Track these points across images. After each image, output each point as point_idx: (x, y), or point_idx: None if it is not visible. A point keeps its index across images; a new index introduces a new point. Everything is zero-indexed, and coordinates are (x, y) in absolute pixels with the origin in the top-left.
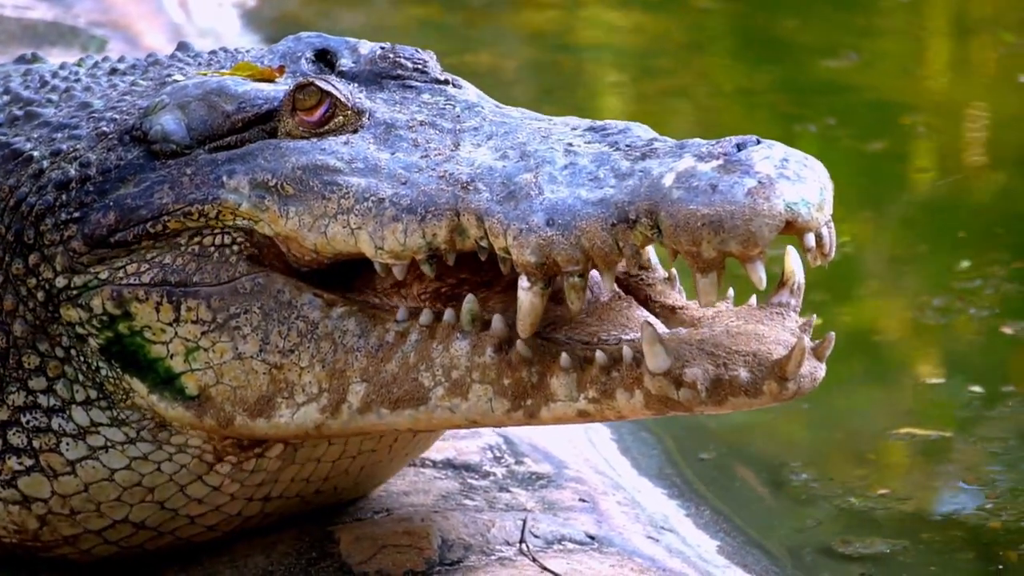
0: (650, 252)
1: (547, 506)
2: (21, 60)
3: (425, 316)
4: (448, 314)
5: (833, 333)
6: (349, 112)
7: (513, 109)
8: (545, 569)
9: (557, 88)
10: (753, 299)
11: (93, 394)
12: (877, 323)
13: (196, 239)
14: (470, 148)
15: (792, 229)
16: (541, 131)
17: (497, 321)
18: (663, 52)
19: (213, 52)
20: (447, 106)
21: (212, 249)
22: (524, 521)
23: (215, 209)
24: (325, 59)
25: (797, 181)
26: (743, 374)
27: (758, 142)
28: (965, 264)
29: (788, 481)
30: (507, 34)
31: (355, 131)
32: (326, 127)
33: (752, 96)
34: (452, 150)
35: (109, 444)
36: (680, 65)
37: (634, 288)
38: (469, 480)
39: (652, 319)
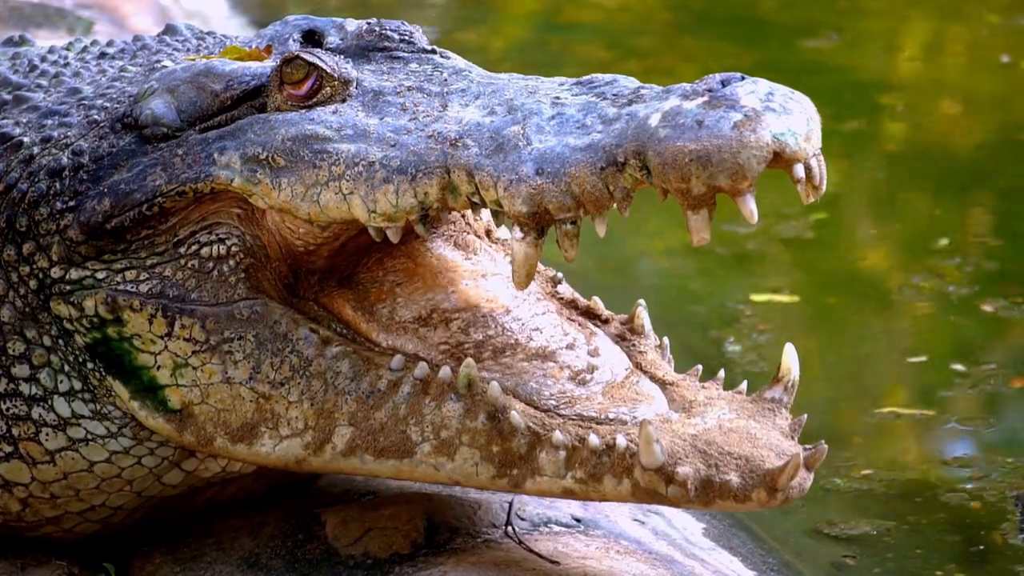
0: (644, 318)
1: None
2: (9, 43)
3: (420, 369)
4: (444, 372)
5: (825, 446)
6: (336, 82)
7: (502, 74)
8: (531, 552)
9: (545, 67)
10: (743, 385)
11: (77, 385)
12: (857, 302)
13: (194, 247)
14: (458, 108)
15: (780, 160)
16: (528, 88)
17: (494, 389)
18: (649, 32)
19: (201, 37)
20: (435, 73)
21: (211, 264)
22: (510, 504)
23: (208, 186)
24: (313, 39)
25: (783, 113)
26: (734, 479)
27: (742, 78)
28: (943, 242)
29: None
30: (495, 13)
31: (343, 101)
32: (314, 99)
33: None
34: (440, 111)
35: (90, 437)
36: (666, 45)
37: (625, 355)
38: None
39: (657, 393)
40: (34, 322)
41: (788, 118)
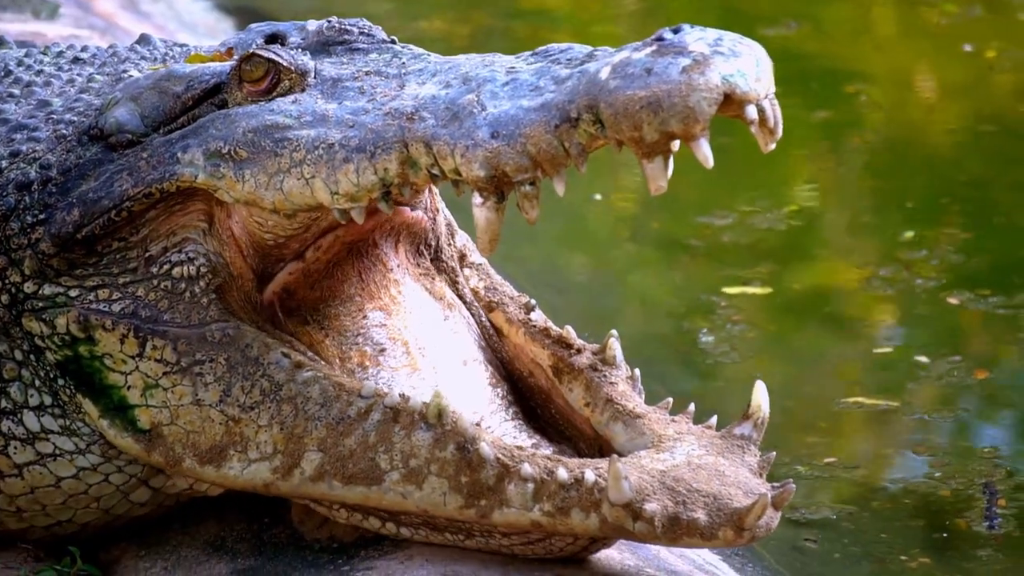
0: (616, 349)
1: None
2: None
3: (391, 398)
4: (414, 401)
5: (793, 485)
6: (294, 75)
7: (460, 55)
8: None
9: (511, 54)
10: (714, 419)
11: (47, 400)
12: (824, 293)
13: (165, 267)
14: (415, 86)
15: (731, 103)
16: (485, 62)
17: (465, 421)
18: (613, 19)
19: (170, 48)
20: (393, 59)
21: (183, 285)
22: None
23: (174, 185)
24: (275, 42)
25: (732, 56)
26: (701, 517)
27: (691, 27)
28: (910, 234)
29: None
30: None
31: (303, 91)
32: (274, 93)
33: None
34: (398, 90)
35: (58, 452)
36: (633, 33)
37: (596, 385)
38: None
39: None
40: (6, 336)
41: (737, 60)
